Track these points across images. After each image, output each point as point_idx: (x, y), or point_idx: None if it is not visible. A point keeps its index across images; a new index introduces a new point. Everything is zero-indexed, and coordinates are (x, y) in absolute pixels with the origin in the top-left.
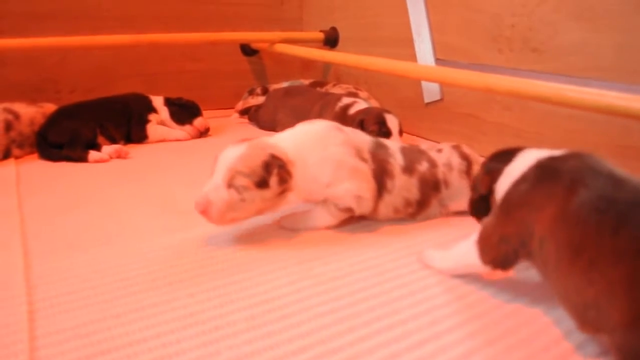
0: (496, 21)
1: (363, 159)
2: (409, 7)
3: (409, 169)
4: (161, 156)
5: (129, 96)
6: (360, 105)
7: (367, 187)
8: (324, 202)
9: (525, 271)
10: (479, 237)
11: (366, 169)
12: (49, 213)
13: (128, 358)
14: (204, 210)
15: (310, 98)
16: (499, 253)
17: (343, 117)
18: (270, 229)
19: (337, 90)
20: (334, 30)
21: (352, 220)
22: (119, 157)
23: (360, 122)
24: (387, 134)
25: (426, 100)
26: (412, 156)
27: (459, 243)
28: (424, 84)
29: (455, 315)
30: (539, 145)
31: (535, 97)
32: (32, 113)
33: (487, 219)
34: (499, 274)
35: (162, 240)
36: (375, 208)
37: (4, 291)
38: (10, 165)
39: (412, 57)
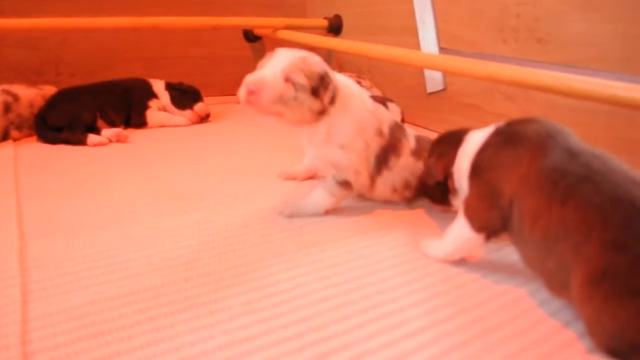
0: (501, 11)
1: (381, 133)
2: None
3: (417, 153)
4: (161, 141)
5: (130, 81)
6: None
7: (364, 165)
8: (327, 166)
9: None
10: (464, 208)
11: (375, 145)
12: (45, 195)
13: (121, 341)
14: (255, 91)
15: None
16: (483, 215)
17: None
18: (268, 215)
19: None
20: (337, 17)
21: (349, 203)
22: (118, 140)
23: None
24: None
25: (429, 89)
26: (424, 144)
27: (450, 227)
28: (427, 73)
29: (453, 304)
30: None
31: (539, 87)
32: (31, 95)
33: (467, 193)
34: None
35: (158, 224)
36: (372, 185)
37: None
38: (8, 147)
39: (416, 46)
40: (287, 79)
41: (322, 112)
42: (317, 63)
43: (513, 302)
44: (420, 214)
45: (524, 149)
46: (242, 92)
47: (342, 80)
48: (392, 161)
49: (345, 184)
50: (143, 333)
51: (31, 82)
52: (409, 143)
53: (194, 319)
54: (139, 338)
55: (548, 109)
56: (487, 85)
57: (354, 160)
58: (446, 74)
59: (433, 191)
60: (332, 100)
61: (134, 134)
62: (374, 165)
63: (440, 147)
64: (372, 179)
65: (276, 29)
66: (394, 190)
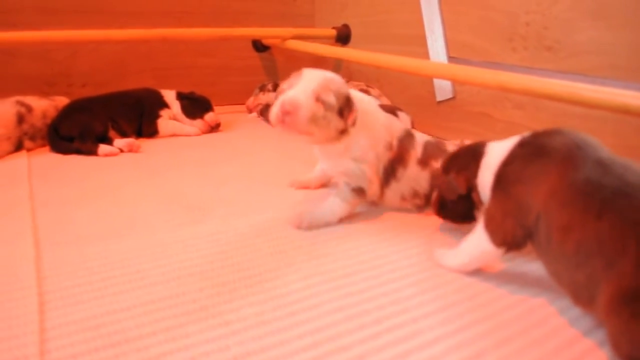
0: (511, 19)
1: (391, 147)
2: (422, 4)
3: (423, 162)
4: (172, 151)
5: (141, 91)
6: None
7: (376, 176)
8: (341, 176)
9: (538, 271)
10: (485, 222)
11: (386, 158)
12: (59, 205)
13: (137, 351)
14: (291, 112)
15: None
16: (507, 231)
17: None
18: (280, 224)
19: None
20: (346, 27)
21: (362, 213)
22: (130, 150)
23: None
24: None
25: (438, 98)
26: (432, 151)
27: (467, 238)
28: (436, 82)
29: (466, 315)
30: None
31: (549, 96)
32: (44, 106)
33: (488, 205)
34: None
35: (171, 234)
36: (382, 194)
37: (15, 282)
38: (22, 157)
39: (425, 55)
40: (318, 99)
41: (344, 132)
42: (343, 84)
43: (527, 312)
44: (432, 223)
45: (553, 162)
46: (276, 112)
47: (359, 98)
48: (400, 172)
49: (358, 191)
50: (159, 343)
51: (43, 93)
52: (416, 152)
53: (209, 329)
54: (155, 348)
55: (557, 117)
56: (497, 93)
57: (366, 171)
58: (456, 83)
59: (456, 207)
60: (354, 122)
61: (145, 143)
62: (382, 177)
63: (459, 161)
64: (382, 189)
65: (285, 39)
66: (403, 199)
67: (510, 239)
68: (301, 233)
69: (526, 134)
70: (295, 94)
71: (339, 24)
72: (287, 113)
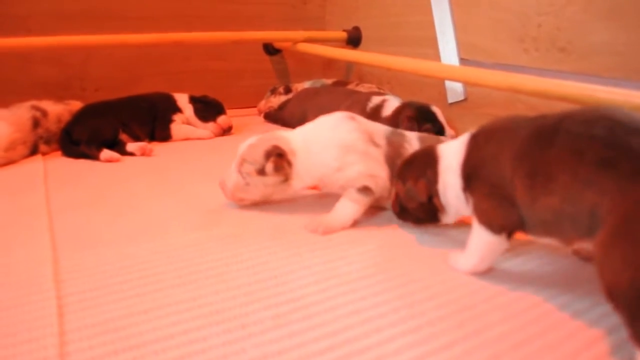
0: (523, 21)
1: (376, 144)
2: (433, 6)
3: None
4: (185, 154)
5: (154, 95)
6: (391, 102)
7: (380, 168)
8: (343, 188)
9: (555, 276)
10: (478, 218)
11: (378, 154)
12: (75, 208)
13: (156, 354)
14: (222, 188)
15: (337, 96)
16: (499, 215)
17: (375, 118)
18: (295, 228)
19: (359, 89)
20: (356, 29)
21: (377, 216)
22: (143, 154)
23: (409, 118)
24: (440, 130)
25: (450, 100)
26: (429, 142)
27: (469, 241)
28: (447, 83)
29: (481, 318)
30: None
31: (562, 98)
32: (59, 110)
33: (473, 203)
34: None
35: (186, 237)
36: (391, 192)
37: (34, 285)
38: (37, 161)
39: (436, 57)
40: (239, 172)
41: (285, 180)
42: (262, 145)
43: (542, 316)
44: (447, 227)
45: (504, 136)
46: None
47: (312, 124)
48: None
49: (365, 190)
50: (177, 346)
51: (57, 97)
52: (412, 146)
53: (225, 332)
54: (173, 351)
55: None
56: (509, 95)
57: (361, 169)
58: (467, 85)
59: (417, 213)
60: (278, 168)
61: (158, 147)
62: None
63: (415, 168)
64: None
65: (296, 42)
66: None
67: (504, 220)
68: (316, 236)
69: (472, 130)
70: (226, 173)
71: (350, 26)
72: (222, 188)
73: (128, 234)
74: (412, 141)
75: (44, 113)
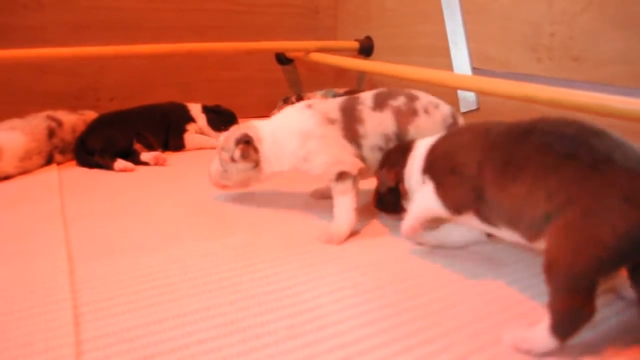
0: (535, 30)
1: (332, 121)
2: (446, 15)
3: (379, 106)
4: (198, 163)
5: (167, 105)
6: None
7: (341, 149)
8: (322, 180)
9: None
10: (438, 192)
11: (335, 131)
12: (90, 217)
13: None
14: (209, 176)
15: None
16: (457, 196)
17: None
18: (309, 238)
19: None
20: (368, 39)
21: (392, 226)
22: (157, 164)
23: None
24: None
25: (462, 109)
26: (385, 96)
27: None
28: (460, 93)
29: (498, 328)
30: None
31: (575, 107)
32: (74, 120)
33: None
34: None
35: (200, 247)
36: (364, 161)
37: (51, 295)
38: (52, 171)
39: (448, 66)
40: (219, 159)
41: (255, 166)
42: (234, 134)
43: None
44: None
45: (479, 130)
46: None
47: (272, 120)
48: (361, 129)
49: (342, 176)
50: (192, 356)
51: (72, 107)
52: (366, 105)
53: (240, 342)
54: None
55: None
56: (522, 104)
57: (326, 159)
58: (481, 94)
59: (387, 199)
60: (244, 155)
61: (171, 156)
62: (350, 145)
63: (392, 157)
64: (361, 158)
65: (308, 51)
66: (381, 149)
67: (459, 200)
68: (329, 246)
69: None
70: (211, 164)
71: (362, 36)
72: (209, 177)
73: (143, 243)
74: (366, 101)
75: (59, 123)
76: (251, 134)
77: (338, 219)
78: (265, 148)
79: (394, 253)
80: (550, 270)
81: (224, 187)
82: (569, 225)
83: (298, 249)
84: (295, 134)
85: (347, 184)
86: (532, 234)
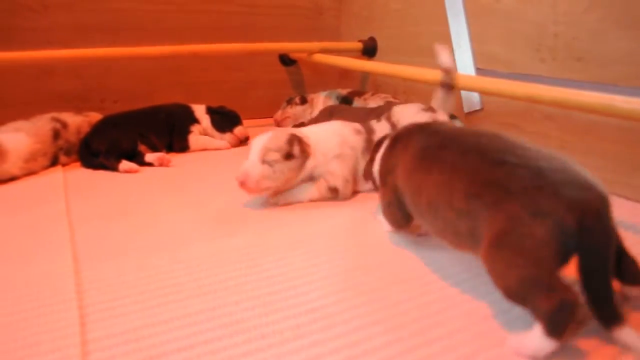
0: (539, 30)
1: (359, 132)
2: (449, 16)
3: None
4: (203, 164)
5: (172, 107)
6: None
7: (352, 171)
8: (316, 178)
9: None
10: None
11: (355, 156)
12: (95, 219)
13: None
14: (243, 182)
15: (361, 112)
16: (392, 214)
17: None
18: (313, 239)
19: (375, 99)
20: (372, 40)
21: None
22: (161, 165)
23: None
24: None
25: (466, 110)
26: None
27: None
28: (463, 93)
29: (503, 328)
30: (585, 157)
31: (579, 107)
32: (79, 122)
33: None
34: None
35: (205, 248)
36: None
37: (56, 295)
38: (57, 172)
39: None
40: (263, 162)
41: (303, 162)
42: (281, 135)
43: None
44: None
45: (400, 147)
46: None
47: (309, 128)
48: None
49: (333, 190)
50: (198, 356)
51: (77, 109)
52: (379, 130)
53: (246, 342)
54: None
55: (588, 127)
56: (526, 104)
57: (343, 170)
58: (484, 94)
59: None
60: (303, 149)
61: (175, 157)
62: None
63: (372, 151)
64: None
65: (311, 52)
66: None
67: (397, 222)
68: (334, 247)
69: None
70: (245, 166)
71: (365, 37)
72: (242, 184)
73: (148, 244)
74: (382, 125)
75: (64, 124)
76: (297, 134)
77: (294, 193)
78: (311, 144)
79: (398, 254)
80: (510, 296)
81: (259, 191)
82: (495, 246)
83: (302, 250)
84: (335, 135)
85: (327, 195)
86: (457, 245)
